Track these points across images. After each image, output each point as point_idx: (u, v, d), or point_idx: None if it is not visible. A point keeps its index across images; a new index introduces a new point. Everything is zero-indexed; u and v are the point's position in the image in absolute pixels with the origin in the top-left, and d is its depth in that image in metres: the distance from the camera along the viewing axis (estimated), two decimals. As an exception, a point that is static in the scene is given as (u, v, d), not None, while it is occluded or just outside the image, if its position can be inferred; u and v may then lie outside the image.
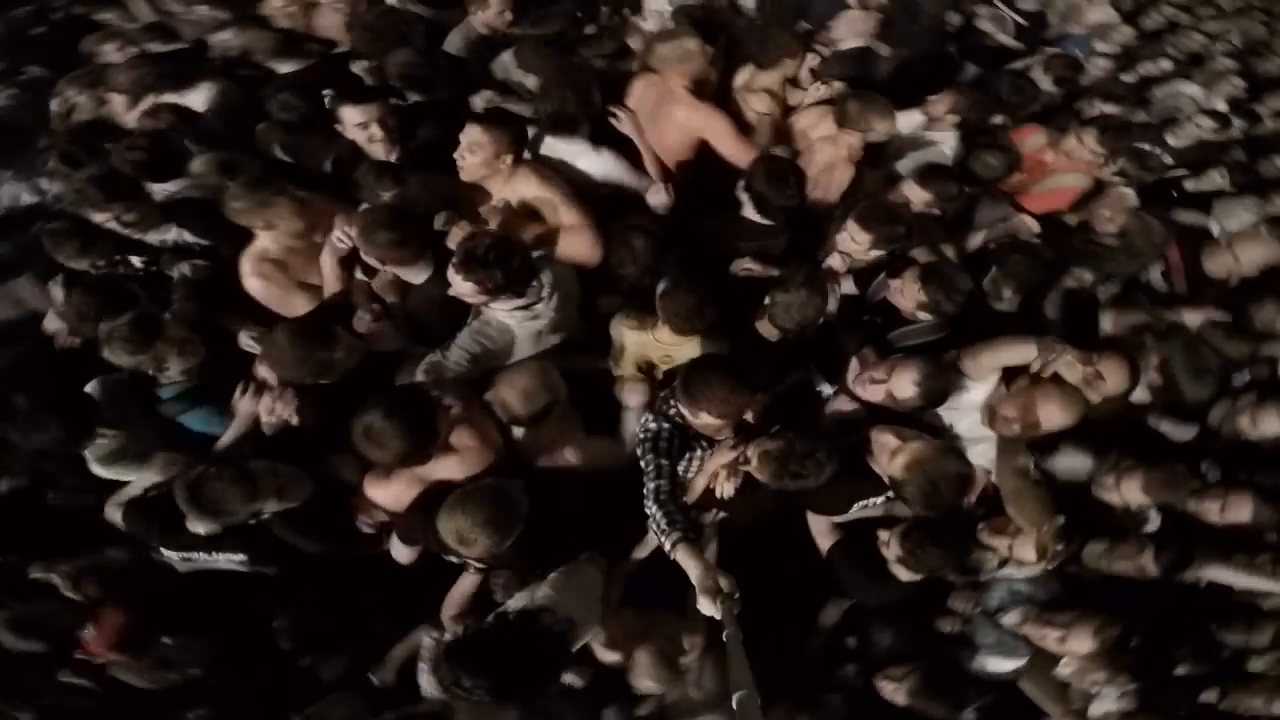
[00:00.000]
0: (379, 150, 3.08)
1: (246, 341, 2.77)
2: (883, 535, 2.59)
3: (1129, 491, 2.72)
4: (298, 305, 2.89)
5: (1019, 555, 2.68)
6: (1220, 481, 2.84)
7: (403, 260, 2.69)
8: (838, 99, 3.36)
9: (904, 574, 2.55)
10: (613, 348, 2.98)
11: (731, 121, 3.31)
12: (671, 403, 2.55)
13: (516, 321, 2.70)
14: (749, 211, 3.09)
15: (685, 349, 2.79)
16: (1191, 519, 2.79)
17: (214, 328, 2.81)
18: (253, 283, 2.87)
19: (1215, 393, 2.93)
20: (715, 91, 3.53)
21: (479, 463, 2.48)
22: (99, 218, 2.91)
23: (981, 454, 2.76)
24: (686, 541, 2.22)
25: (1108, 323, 3.18)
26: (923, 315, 2.91)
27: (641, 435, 2.56)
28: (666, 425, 2.53)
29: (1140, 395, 2.90)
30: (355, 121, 3.02)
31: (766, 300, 2.80)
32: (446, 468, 2.44)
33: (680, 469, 2.56)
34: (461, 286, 2.48)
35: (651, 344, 2.86)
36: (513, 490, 2.31)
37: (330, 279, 2.87)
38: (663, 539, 2.28)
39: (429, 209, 2.88)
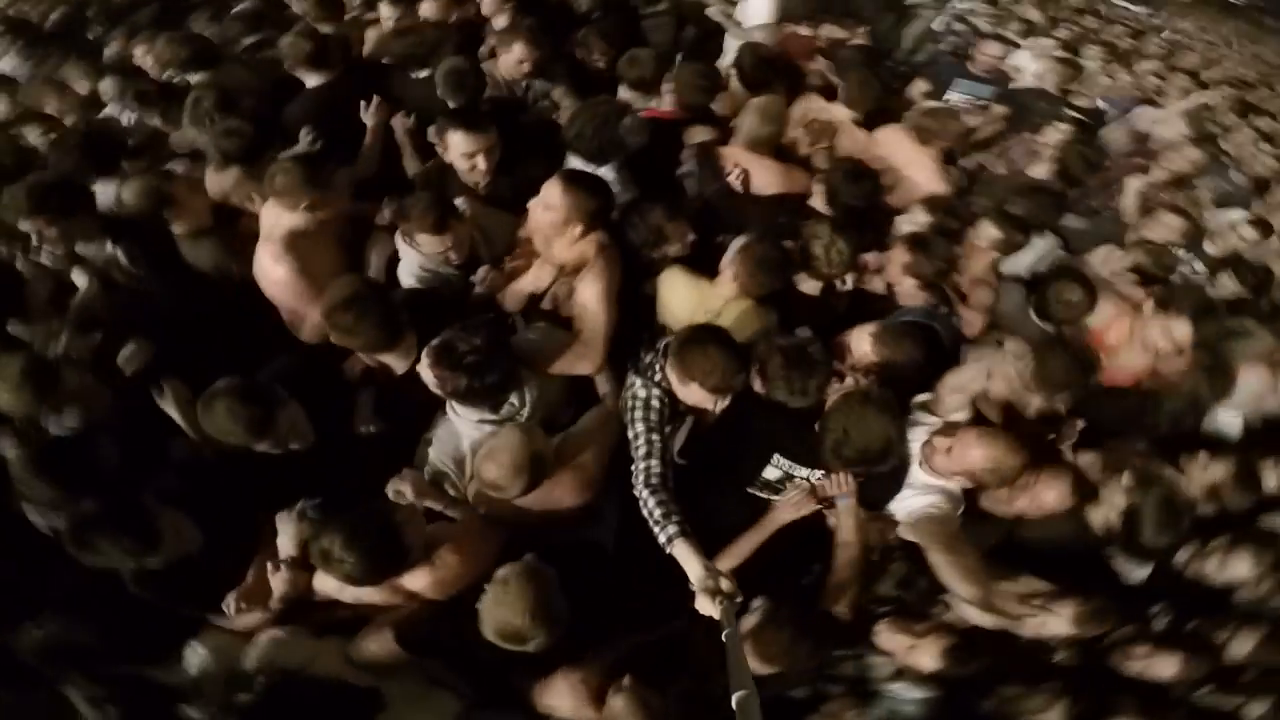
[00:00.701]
0: (476, 178, 2.94)
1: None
2: None
3: (1054, 624, 2.27)
4: (315, 305, 2.58)
5: (916, 664, 2.22)
6: (1154, 634, 2.41)
7: (366, 347, 2.43)
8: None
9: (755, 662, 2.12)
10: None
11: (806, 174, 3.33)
12: (659, 367, 2.35)
13: (473, 429, 2.39)
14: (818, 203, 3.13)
15: (736, 309, 2.67)
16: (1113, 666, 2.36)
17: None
18: (279, 270, 2.63)
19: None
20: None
21: (459, 579, 2.19)
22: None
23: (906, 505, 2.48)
24: (684, 536, 2.06)
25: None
26: (911, 289, 2.88)
27: (630, 403, 2.34)
28: (657, 391, 2.32)
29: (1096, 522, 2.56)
30: (463, 150, 2.85)
31: (805, 249, 2.76)
32: (419, 580, 2.18)
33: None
34: (426, 374, 2.28)
35: (703, 299, 2.69)
36: (542, 567, 2.03)
37: None
38: (657, 531, 2.12)
39: (473, 254, 2.74)
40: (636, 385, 2.37)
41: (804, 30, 4.45)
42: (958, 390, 2.59)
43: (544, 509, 2.32)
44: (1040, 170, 3.89)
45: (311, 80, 3.36)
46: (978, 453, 2.32)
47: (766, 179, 3.22)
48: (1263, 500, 2.75)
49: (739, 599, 1.92)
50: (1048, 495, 2.47)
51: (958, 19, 5.83)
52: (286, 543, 2.20)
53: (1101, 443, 2.66)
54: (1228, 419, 3.04)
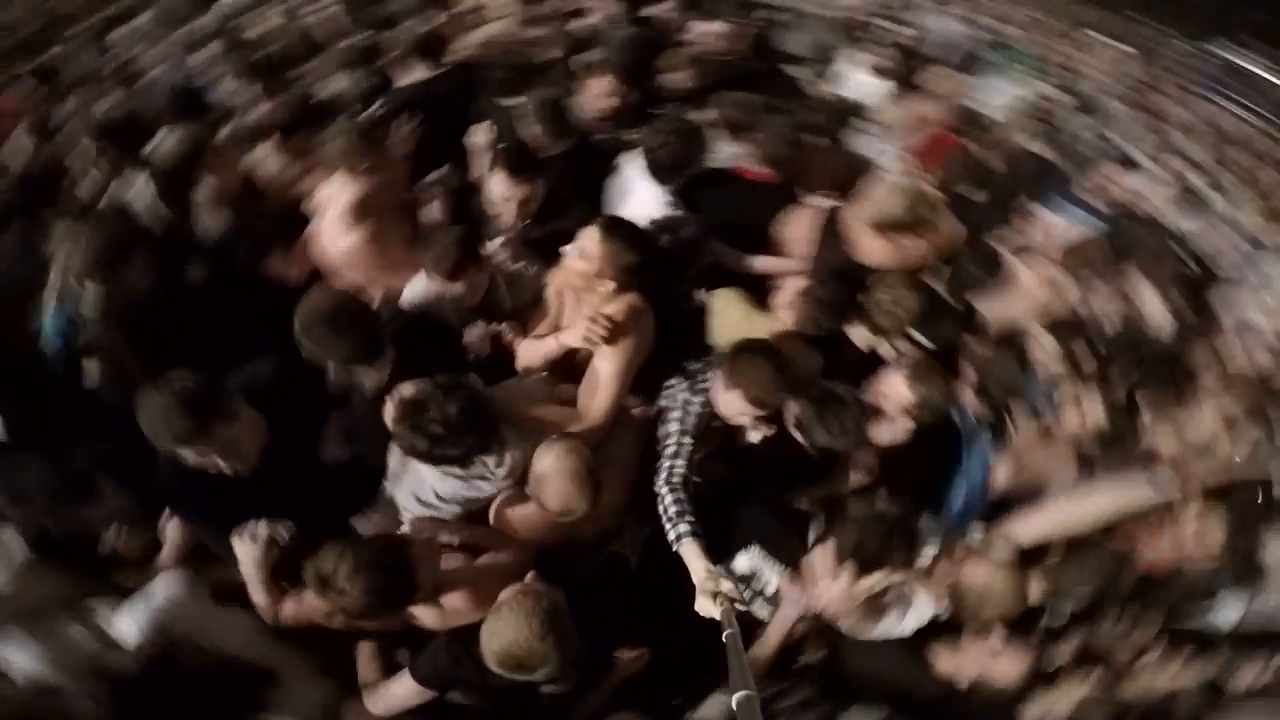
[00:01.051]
0: (506, 220, 2.80)
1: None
2: None
3: None
4: (384, 275, 2.67)
5: None
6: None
7: (338, 361, 2.29)
8: None
9: None
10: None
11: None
12: (706, 376, 2.42)
13: (437, 480, 2.28)
14: None
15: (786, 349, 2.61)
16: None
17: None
18: (347, 240, 2.64)
19: None
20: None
21: (468, 617, 2.07)
22: None
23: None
24: (694, 537, 2.13)
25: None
26: (970, 389, 2.66)
27: (668, 403, 2.42)
28: (699, 398, 2.39)
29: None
30: (503, 194, 2.73)
31: (864, 301, 2.64)
32: (427, 617, 2.10)
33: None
34: (387, 416, 2.16)
35: (753, 328, 2.68)
36: (545, 589, 1.96)
37: None
38: (668, 527, 2.18)
39: (490, 299, 2.64)
40: (680, 387, 2.43)
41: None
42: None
43: (574, 530, 2.32)
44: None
45: (404, 80, 3.49)
46: (982, 569, 2.25)
47: (881, 256, 2.94)
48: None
49: (740, 601, 1.97)
50: (1002, 665, 2.22)
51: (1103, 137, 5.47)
52: (251, 562, 2.04)
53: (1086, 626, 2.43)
54: (1229, 609, 2.71)
